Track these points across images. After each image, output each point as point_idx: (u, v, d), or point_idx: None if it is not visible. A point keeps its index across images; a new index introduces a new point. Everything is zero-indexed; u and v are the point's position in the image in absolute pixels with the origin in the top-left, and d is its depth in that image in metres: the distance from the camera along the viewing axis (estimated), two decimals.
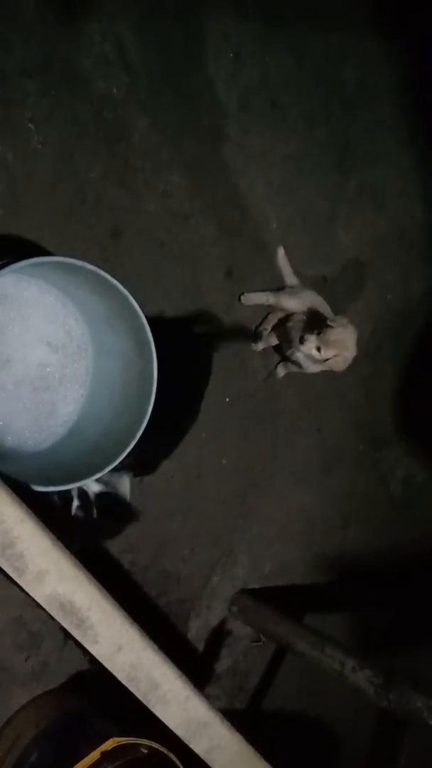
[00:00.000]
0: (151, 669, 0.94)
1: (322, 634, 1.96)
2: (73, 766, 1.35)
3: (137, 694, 0.94)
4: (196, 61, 1.87)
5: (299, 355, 1.97)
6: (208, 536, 2.10)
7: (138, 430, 1.26)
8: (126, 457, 1.27)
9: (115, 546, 1.89)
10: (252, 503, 2.21)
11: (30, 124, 1.59)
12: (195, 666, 2.16)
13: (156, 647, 0.96)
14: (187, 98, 1.86)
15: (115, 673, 0.91)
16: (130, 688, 0.93)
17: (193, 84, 1.86)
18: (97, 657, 0.89)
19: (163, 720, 0.98)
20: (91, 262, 1.23)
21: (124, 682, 0.93)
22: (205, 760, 1.03)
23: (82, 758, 1.36)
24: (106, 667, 0.91)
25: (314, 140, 2.17)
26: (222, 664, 2.23)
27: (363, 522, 2.59)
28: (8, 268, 1.10)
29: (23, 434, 1.35)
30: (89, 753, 1.37)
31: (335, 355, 1.82)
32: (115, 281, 1.21)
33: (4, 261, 1.13)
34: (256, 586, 2.27)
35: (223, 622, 2.20)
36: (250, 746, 1.07)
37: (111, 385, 1.40)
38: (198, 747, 1.02)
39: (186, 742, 1.01)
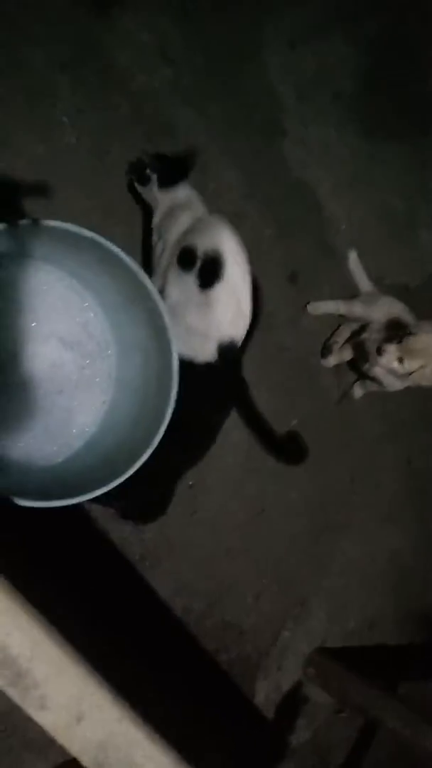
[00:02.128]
0: (129, 750, 0.64)
1: (417, 709, 1.53)
2: None
3: None
4: (246, 51, 1.67)
5: (379, 371, 1.64)
6: (276, 582, 1.75)
7: (155, 436, 0.99)
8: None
9: (165, 588, 1.59)
10: (329, 545, 1.83)
11: (64, 118, 1.44)
12: (264, 737, 1.77)
13: (139, 720, 0.65)
14: (238, 90, 1.65)
15: (74, 754, 0.62)
16: None
17: (243, 75, 1.66)
18: (47, 730, 0.60)
19: None
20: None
21: None
22: None
23: None
24: (62, 744, 0.61)
25: (388, 132, 1.88)
26: (298, 736, 1.81)
27: None
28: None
29: (32, 445, 1.12)
30: None
31: (421, 367, 1.49)
32: (116, 248, 0.98)
33: None
34: (337, 645, 1.86)
35: (297, 685, 1.80)
36: None
37: (132, 387, 1.15)
38: None
39: None
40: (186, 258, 1.23)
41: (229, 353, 1.27)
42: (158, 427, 0.99)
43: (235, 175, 1.64)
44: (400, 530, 1.96)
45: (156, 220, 1.41)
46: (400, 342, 1.48)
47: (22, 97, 1.39)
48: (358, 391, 1.83)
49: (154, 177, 1.38)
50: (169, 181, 1.38)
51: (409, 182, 1.90)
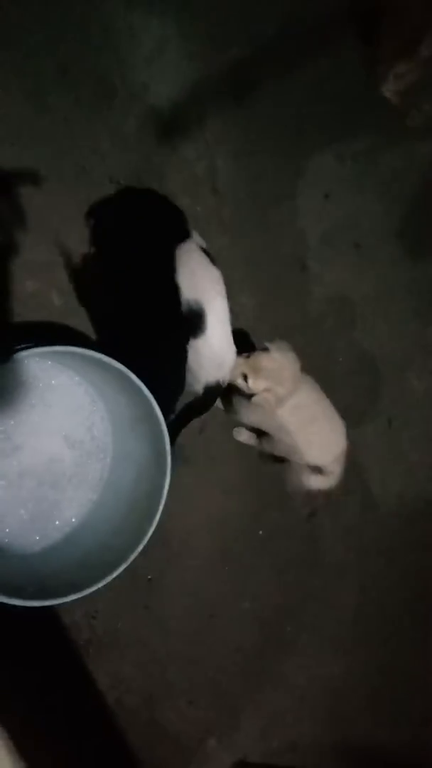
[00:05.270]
0: None
1: None
2: None
3: None
4: (285, 194, 1.83)
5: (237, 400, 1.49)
6: (212, 690, 1.77)
7: (132, 552, 1.07)
8: None
9: (103, 678, 1.62)
10: (270, 661, 1.86)
11: None
12: None
13: None
14: (271, 225, 1.80)
15: None
16: None
17: (278, 213, 1.81)
18: None
19: None
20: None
21: None
22: None
23: None
24: None
25: (397, 284, 2.05)
26: None
27: (403, 712, 2.13)
28: (30, 351, 1.01)
29: (14, 531, 1.20)
30: None
31: (265, 390, 1.35)
32: (140, 383, 1.08)
33: (30, 344, 1.05)
34: (258, 761, 1.88)
35: None
36: None
37: (120, 494, 1.23)
38: None
39: None
40: None
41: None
42: (135, 546, 1.07)
43: (251, 300, 1.78)
44: (342, 657, 1.99)
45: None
46: (248, 356, 1.37)
47: (77, 204, 1.53)
48: (236, 434, 1.73)
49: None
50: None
51: (410, 334, 2.07)
